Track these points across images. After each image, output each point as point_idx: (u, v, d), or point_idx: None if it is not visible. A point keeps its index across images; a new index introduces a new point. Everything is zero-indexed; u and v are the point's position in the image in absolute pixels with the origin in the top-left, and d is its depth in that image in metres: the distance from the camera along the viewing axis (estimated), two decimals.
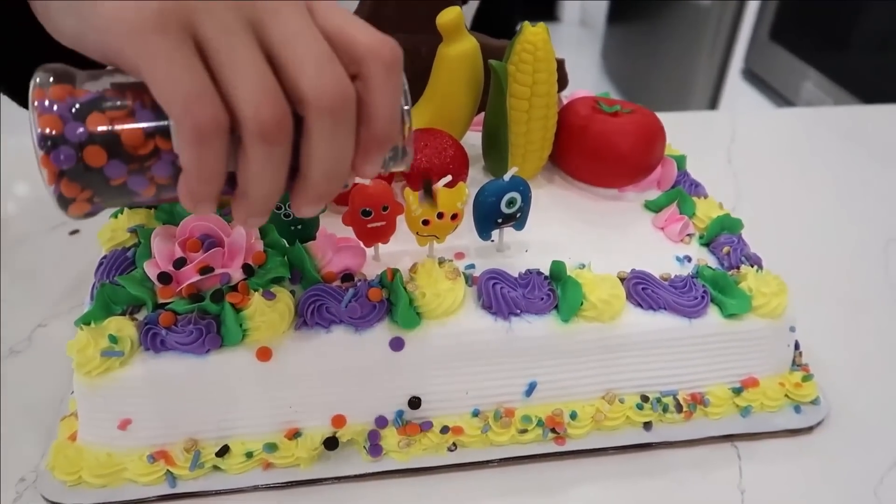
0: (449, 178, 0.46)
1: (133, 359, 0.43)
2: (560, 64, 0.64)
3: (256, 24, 0.28)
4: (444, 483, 0.47)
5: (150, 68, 0.26)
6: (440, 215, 0.46)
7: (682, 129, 0.73)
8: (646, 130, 0.56)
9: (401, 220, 0.47)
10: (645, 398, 0.49)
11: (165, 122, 0.28)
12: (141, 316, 0.45)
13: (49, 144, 0.28)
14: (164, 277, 0.44)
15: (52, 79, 0.29)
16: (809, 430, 0.51)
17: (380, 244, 0.49)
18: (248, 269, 0.45)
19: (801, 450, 0.50)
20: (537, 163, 0.58)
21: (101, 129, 0.28)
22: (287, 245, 0.47)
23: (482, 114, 0.58)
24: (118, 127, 0.28)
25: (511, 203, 0.47)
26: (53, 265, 0.65)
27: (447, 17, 0.52)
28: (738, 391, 0.51)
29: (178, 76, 0.26)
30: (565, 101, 0.66)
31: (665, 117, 0.60)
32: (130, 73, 0.27)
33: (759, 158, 0.88)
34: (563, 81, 0.65)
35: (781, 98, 2.30)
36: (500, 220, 0.48)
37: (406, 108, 0.32)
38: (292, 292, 0.46)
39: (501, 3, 0.83)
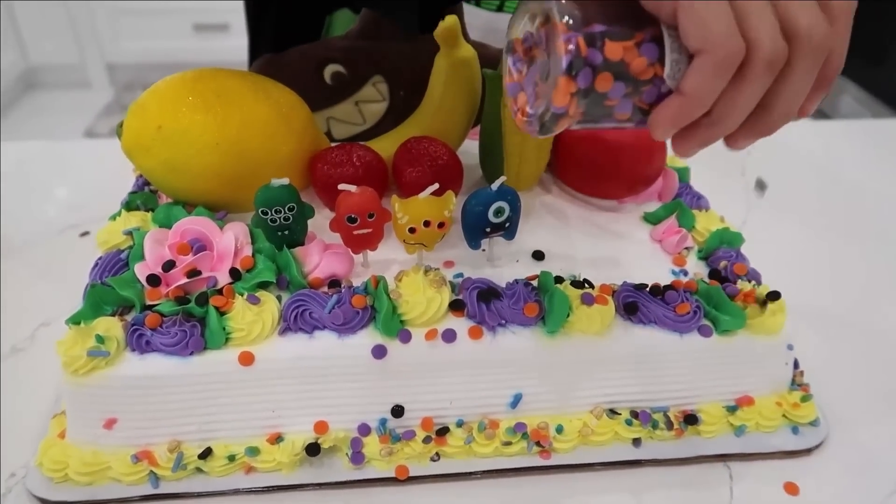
0: (436, 186, 0.46)
1: (119, 359, 0.44)
2: None
3: None
4: (427, 493, 0.47)
5: (692, 9, 0.31)
6: (427, 223, 0.46)
7: None
8: (644, 142, 0.55)
9: (391, 228, 0.48)
10: (634, 414, 0.48)
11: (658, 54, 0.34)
12: (130, 317, 0.45)
13: (573, 66, 0.32)
14: (153, 279, 0.45)
15: (563, 7, 0.33)
16: (807, 452, 0.50)
17: (368, 251, 0.49)
18: (234, 273, 0.46)
19: (798, 473, 0.48)
20: (534, 172, 0.57)
21: (616, 56, 0.33)
22: (276, 250, 0.48)
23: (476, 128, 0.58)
24: (629, 55, 0.33)
25: (499, 212, 0.47)
26: (62, 266, 0.66)
27: (444, 25, 0.52)
28: (732, 409, 0.49)
29: (717, 15, 0.31)
30: None
31: None
32: (659, 13, 0.33)
33: (774, 171, 0.86)
34: None
35: (819, 111, 2.26)
36: (488, 230, 0.48)
37: None
38: (279, 297, 0.46)
39: None
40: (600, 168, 0.56)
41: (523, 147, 0.55)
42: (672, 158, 0.62)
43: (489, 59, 0.59)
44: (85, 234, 0.70)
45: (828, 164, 0.89)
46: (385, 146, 0.57)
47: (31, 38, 3.13)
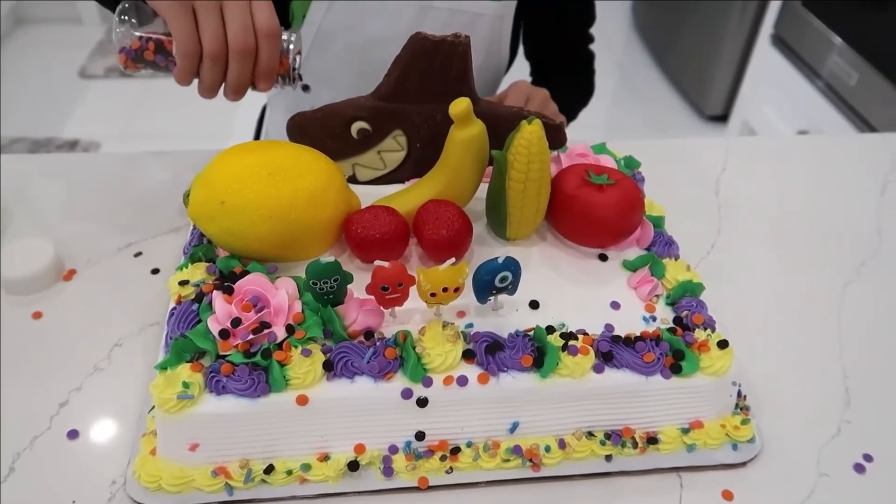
0: (453, 260, 0.56)
1: (201, 399, 0.55)
2: (559, 127, 0.73)
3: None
4: (443, 498, 0.59)
5: (167, 13, 0.59)
6: (444, 289, 0.57)
7: (674, 158, 0.82)
8: (626, 203, 0.66)
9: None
10: (607, 435, 0.61)
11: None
12: (205, 361, 0.56)
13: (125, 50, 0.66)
14: (224, 334, 0.56)
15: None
16: (743, 465, 0.62)
17: (396, 307, 0.60)
18: (290, 329, 0.57)
19: (734, 481, 0.61)
20: (531, 226, 0.68)
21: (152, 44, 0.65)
22: (321, 307, 0.58)
23: (489, 168, 0.68)
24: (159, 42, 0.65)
25: (503, 279, 0.58)
26: (122, 287, 0.76)
27: (459, 107, 0.61)
28: (686, 431, 0.62)
29: (181, 24, 0.59)
30: (563, 158, 0.75)
31: (660, 144, 0.69)
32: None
33: (746, 190, 0.95)
34: (560, 141, 0.74)
35: (808, 67, 2.29)
36: (494, 291, 0.59)
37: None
38: (324, 346, 0.57)
39: None
40: (587, 225, 0.66)
41: (523, 209, 0.65)
42: (650, 208, 0.72)
43: (497, 116, 0.68)
44: (138, 254, 0.80)
45: (798, 182, 0.99)
46: (408, 199, 0.67)
47: None
